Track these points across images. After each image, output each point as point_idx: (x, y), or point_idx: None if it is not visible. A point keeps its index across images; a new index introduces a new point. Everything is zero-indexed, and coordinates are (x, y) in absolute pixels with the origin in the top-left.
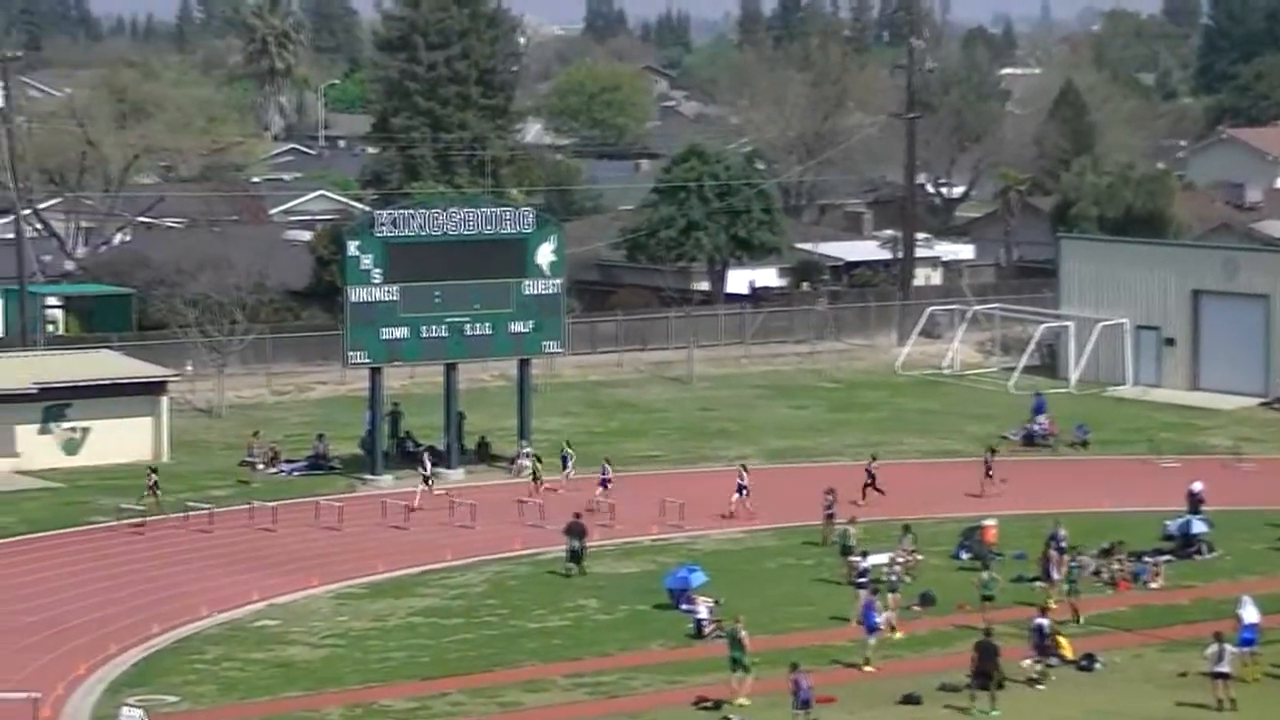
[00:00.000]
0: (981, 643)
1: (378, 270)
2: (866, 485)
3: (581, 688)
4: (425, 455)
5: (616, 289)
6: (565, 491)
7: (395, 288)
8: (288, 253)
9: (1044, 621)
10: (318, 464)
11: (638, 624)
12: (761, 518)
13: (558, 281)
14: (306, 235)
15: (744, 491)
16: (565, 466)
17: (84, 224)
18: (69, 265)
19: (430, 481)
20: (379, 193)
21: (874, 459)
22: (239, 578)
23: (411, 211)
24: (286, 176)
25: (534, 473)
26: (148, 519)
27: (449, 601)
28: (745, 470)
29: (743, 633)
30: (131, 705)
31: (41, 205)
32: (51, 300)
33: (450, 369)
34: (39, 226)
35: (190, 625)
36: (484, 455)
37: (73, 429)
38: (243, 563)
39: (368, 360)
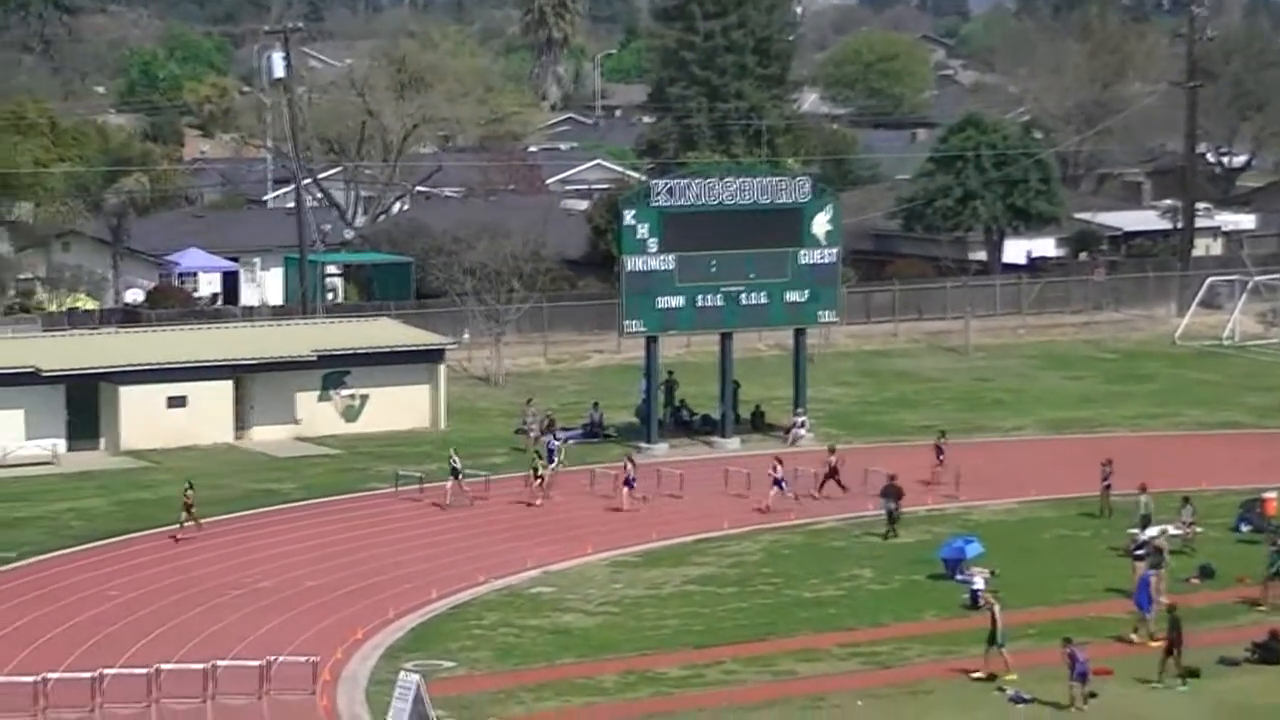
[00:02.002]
0: (1173, 615)
1: (654, 239)
2: (935, 465)
3: (856, 657)
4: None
5: (892, 259)
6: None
7: (671, 257)
8: (564, 222)
9: None
10: (593, 432)
11: (912, 594)
12: (796, 511)
13: (834, 251)
14: (583, 204)
15: (783, 485)
16: (553, 460)
17: (363, 193)
18: (348, 234)
19: (460, 476)
20: (655, 162)
21: (943, 435)
22: (515, 545)
23: (688, 181)
24: (563, 146)
25: (535, 469)
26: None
27: (724, 570)
28: (779, 462)
29: (995, 607)
30: (409, 670)
31: (322, 175)
32: (331, 269)
33: (725, 338)
34: (319, 196)
35: (468, 591)
36: (759, 425)
37: (352, 396)
38: (519, 530)
39: (643, 329)
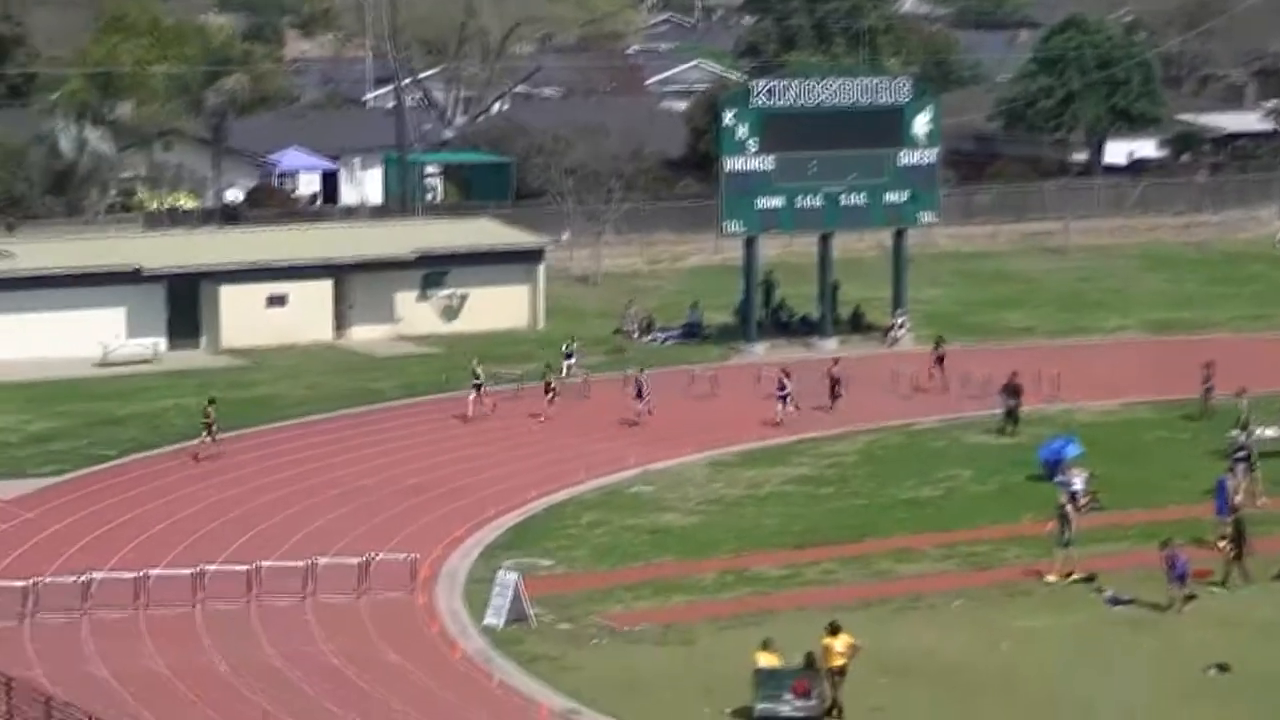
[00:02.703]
0: (1237, 519)
1: (753, 140)
2: (932, 368)
3: (952, 558)
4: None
5: (992, 160)
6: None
7: (770, 158)
8: (664, 122)
9: None
10: (691, 332)
11: (1010, 496)
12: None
13: (934, 152)
14: (682, 105)
15: (786, 399)
16: (569, 359)
17: (463, 93)
18: (448, 134)
19: (482, 389)
20: (755, 63)
21: (941, 341)
22: (614, 444)
23: (787, 81)
24: (663, 46)
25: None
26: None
27: (821, 470)
28: (787, 376)
29: (1068, 508)
30: (508, 568)
31: (421, 75)
32: (431, 169)
33: (825, 239)
34: (419, 96)
35: (566, 490)
36: (858, 325)
37: (451, 296)
38: (618, 429)
39: (742, 230)
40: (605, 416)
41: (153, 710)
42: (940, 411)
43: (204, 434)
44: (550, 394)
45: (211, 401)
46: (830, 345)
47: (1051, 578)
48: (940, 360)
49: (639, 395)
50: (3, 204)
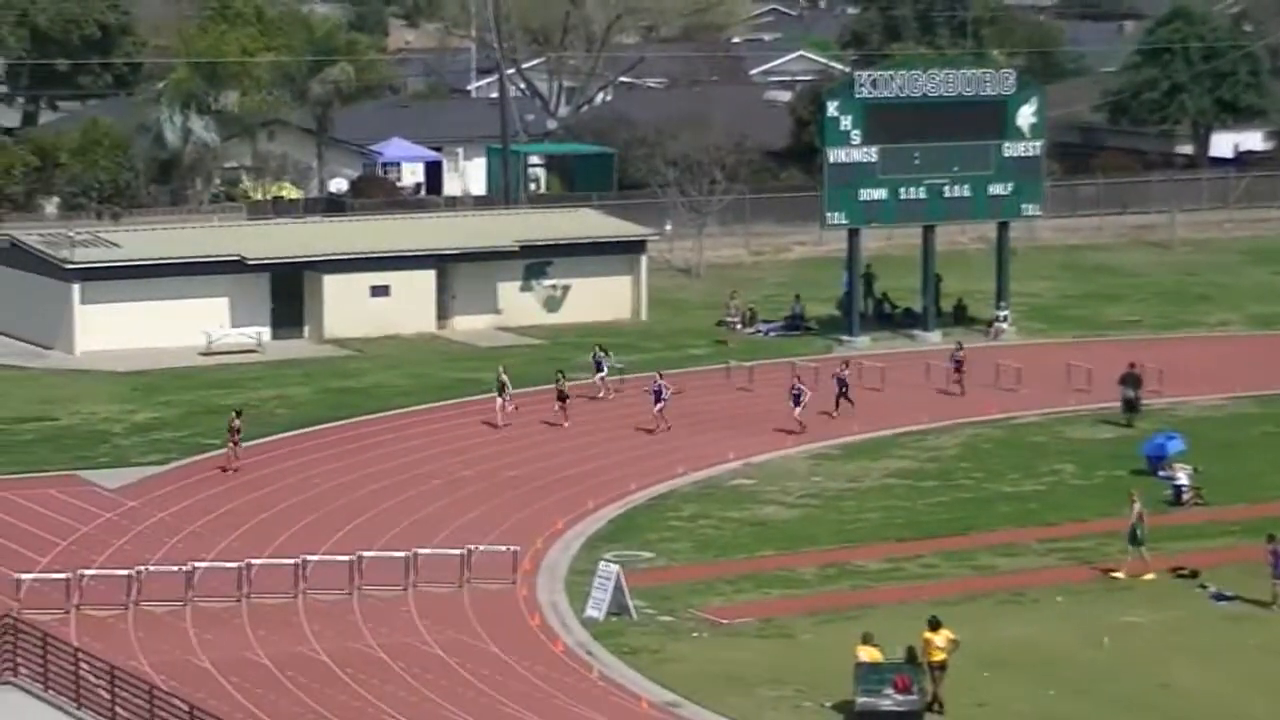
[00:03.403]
0: None
1: (857, 131)
2: (954, 376)
3: (1056, 552)
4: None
5: (1097, 152)
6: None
7: (874, 149)
8: (767, 113)
9: None
10: (794, 325)
11: (1114, 490)
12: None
13: (1038, 144)
14: (786, 96)
15: (799, 400)
16: (600, 369)
17: (566, 84)
18: (551, 125)
19: (506, 396)
20: (859, 53)
21: (960, 346)
22: (715, 436)
23: (891, 72)
24: (766, 37)
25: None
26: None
27: (923, 464)
28: (799, 379)
29: (1137, 505)
30: (608, 560)
31: (525, 65)
32: (534, 159)
33: (928, 231)
34: (522, 86)
35: (667, 483)
36: (960, 318)
37: (553, 286)
38: (719, 422)
39: (845, 222)
40: (707, 408)
41: (253, 700)
42: (1037, 405)
43: (230, 444)
44: (562, 401)
45: (238, 413)
46: (933, 338)
47: (1121, 574)
48: (959, 365)
49: (657, 398)
50: (108, 193)
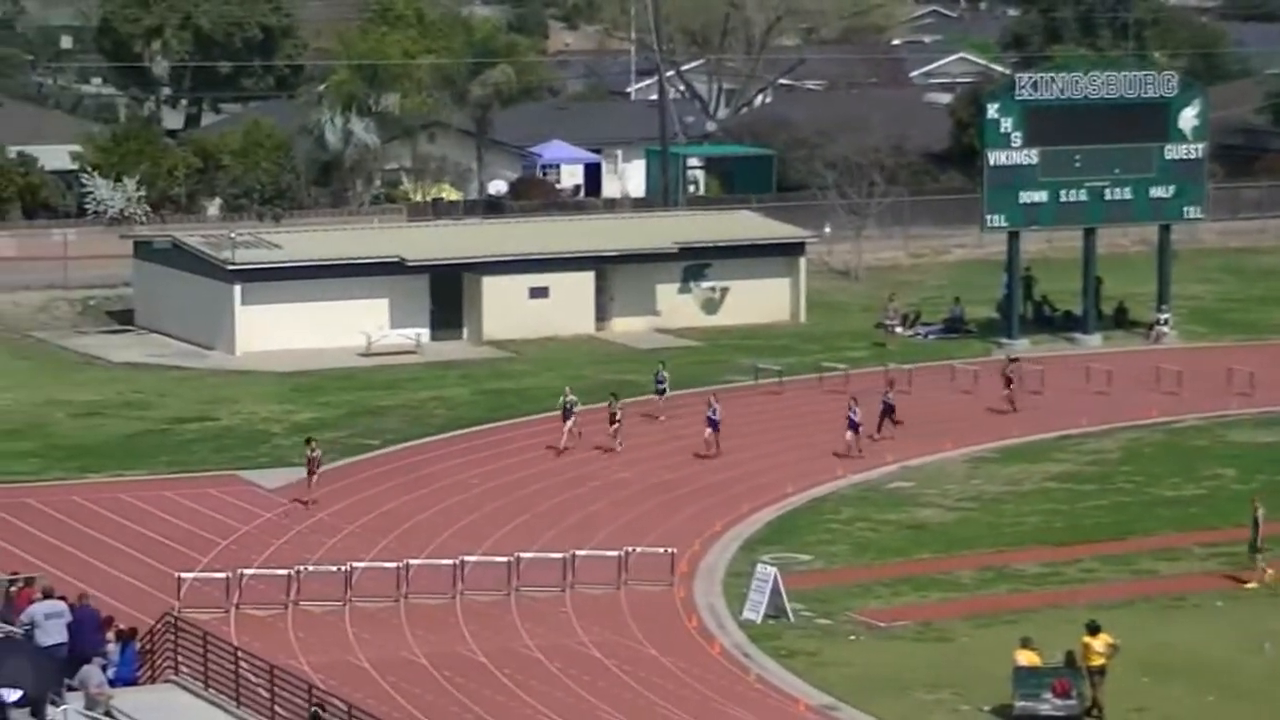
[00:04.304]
0: None
1: (1017, 134)
2: (1005, 393)
3: (1216, 557)
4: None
5: (1260, 154)
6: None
7: (1035, 151)
8: (927, 115)
9: None
10: (954, 327)
11: (1275, 495)
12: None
13: (1200, 146)
14: (946, 98)
15: (858, 427)
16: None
17: (726, 86)
18: (710, 126)
19: (573, 418)
20: (1020, 55)
21: (1014, 360)
22: (871, 441)
23: (1052, 75)
24: (926, 39)
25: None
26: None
27: (1083, 467)
28: (855, 402)
29: (1259, 512)
30: (766, 562)
31: (684, 67)
32: (693, 161)
33: (1089, 234)
34: (682, 88)
35: (824, 486)
36: (1121, 321)
37: (712, 289)
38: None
39: (1005, 224)
40: (866, 411)
41: (410, 700)
42: (1131, 418)
43: (308, 475)
44: (615, 424)
45: (308, 442)
46: (1094, 341)
47: (1252, 584)
48: (1009, 381)
49: (711, 424)
50: (269, 195)
